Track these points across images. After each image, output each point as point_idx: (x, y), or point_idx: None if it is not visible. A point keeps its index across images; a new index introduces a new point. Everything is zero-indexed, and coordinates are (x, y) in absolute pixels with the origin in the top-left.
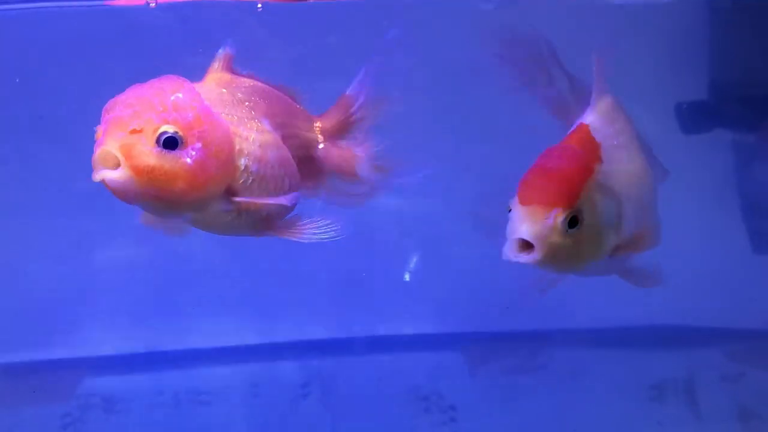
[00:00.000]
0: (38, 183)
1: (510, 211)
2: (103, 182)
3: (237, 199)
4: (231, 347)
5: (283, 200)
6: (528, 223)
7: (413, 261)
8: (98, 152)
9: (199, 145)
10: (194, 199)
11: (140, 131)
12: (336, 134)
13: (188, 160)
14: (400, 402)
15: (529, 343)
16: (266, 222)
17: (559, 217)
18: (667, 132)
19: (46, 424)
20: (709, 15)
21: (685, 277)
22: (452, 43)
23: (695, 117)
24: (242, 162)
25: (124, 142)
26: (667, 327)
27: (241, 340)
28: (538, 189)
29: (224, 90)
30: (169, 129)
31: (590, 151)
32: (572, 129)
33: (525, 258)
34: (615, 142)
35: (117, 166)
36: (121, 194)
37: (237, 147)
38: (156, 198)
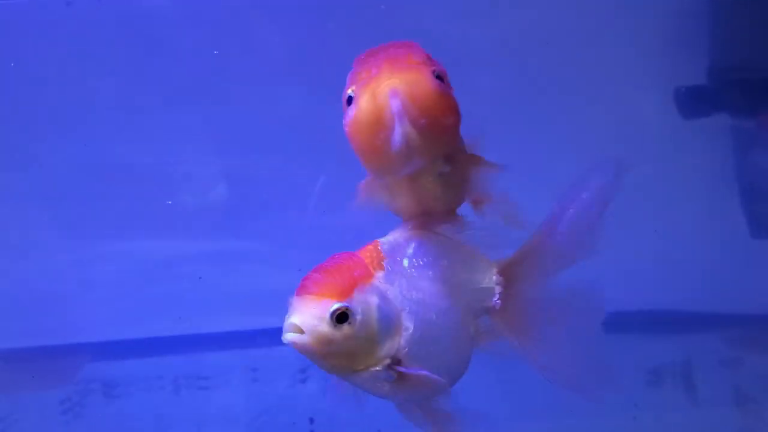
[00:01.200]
0: (37, 173)
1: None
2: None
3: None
4: (230, 332)
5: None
6: (299, 311)
7: None
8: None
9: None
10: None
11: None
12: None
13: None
14: None
15: None
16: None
17: (328, 307)
18: (666, 116)
19: (46, 409)
20: (709, 1)
21: (683, 262)
22: None
23: (694, 102)
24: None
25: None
26: (665, 312)
27: (240, 325)
28: (312, 281)
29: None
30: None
31: (373, 259)
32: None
33: (296, 340)
34: (403, 259)
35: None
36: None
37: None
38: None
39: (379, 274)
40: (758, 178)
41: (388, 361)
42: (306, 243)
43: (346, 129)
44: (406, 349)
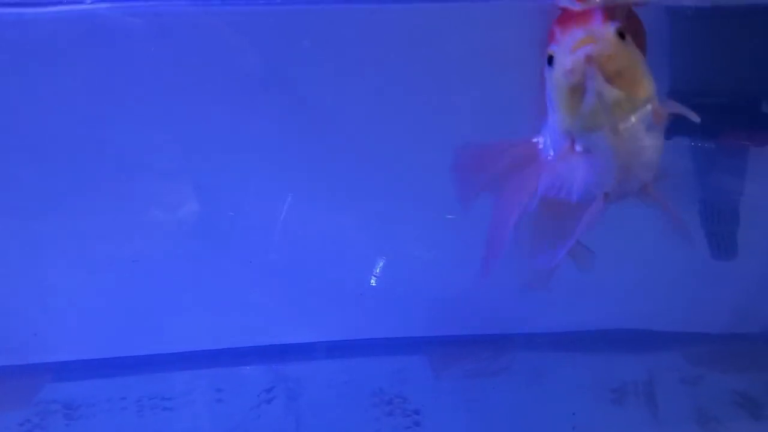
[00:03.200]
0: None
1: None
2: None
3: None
4: (194, 351)
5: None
6: (586, 31)
7: (378, 265)
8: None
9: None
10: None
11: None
12: None
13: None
14: (365, 406)
15: (492, 346)
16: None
17: (610, 24)
18: None
19: (5, 431)
20: (669, 25)
21: (644, 281)
22: None
23: None
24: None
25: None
26: (627, 330)
27: (204, 345)
28: (584, 17)
29: None
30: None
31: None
32: None
33: (592, 46)
34: None
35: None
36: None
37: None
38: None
39: None
40: (718, 198)
41: (651, 103)
42: (272, 262)
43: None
44: (657, 95)
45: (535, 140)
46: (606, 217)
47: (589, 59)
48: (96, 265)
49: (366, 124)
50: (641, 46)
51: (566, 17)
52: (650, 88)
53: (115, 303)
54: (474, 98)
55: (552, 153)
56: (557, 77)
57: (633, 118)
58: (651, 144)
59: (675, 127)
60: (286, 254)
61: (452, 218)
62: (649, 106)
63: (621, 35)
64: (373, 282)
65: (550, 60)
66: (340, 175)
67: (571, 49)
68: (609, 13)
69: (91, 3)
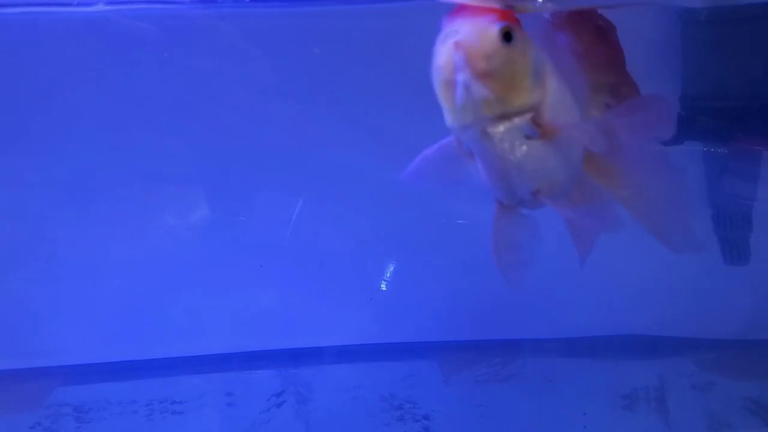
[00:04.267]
0: (8, 190)
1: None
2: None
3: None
4: (204, 355)
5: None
6: (467, 24)
7: (389, 270)
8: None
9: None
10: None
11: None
12: None
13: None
14: (375, 411)
15: (503, 352)
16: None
17: (495, 23)
18: None
19: None
20: (681, 29)
21: (656, 287)
22: None
23: None
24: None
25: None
26: (639, 336)
27: (215, 349)
28: (474, 9)
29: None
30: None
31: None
32: None
33: (464, 41)
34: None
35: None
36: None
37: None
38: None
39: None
40: (730, 204)
41: (531, 113)
42: (283, 267)
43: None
44: (550, 105)
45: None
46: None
47: (458, 52)
48: (107, 269)
49: (376, 128)
50: (607, 54)
51: (458, 10)
52: (531, 98)
53: (126, 307)
54: None
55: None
56: (433, 68)
57: (507, 124)
58: (531, 154)
59: (687, 132)
60: (296, 259)
61: (462, 223)
62: (528, 116)
63: (507, 36)
64: (383, 287)
65: None
66: (352, 180)
67: (444, 41)
68: (506, 14)
69: (107, 3)
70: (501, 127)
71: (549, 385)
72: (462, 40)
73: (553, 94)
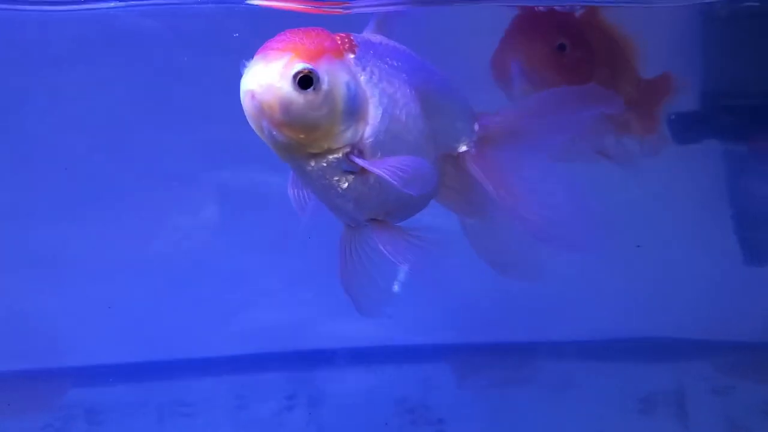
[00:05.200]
0: (20, 190)
1: None
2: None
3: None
4: (216, 358)
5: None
6: (260, 66)
7: (402, 271)
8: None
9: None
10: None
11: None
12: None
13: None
14: (387, 414)
15: (518, 355)
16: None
17: (292, 66)
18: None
19: None
20: (702, 26)
21: (675, 289)
22: None
23: (686, 127)
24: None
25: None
26: (657, 339)
27: (226, 351)
28: (277, 41)
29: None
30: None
31: (345, 42)
32: None
33: (256, 93)
34: (378, 51)
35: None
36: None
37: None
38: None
39: (350, 56)
40: (751, 203)
41: (348, 148)
42: (295, 267)
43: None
44: (370, 140)
45: None
46: (637, 223)
47: (254, 102)
48: (119, 270)
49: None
50: (574, 69)
51: (277, 37)
52: (342, 139)
53: (137, 309)
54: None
55: None
56: None
57: (321, 162)
58: (352, 188)
59: (706, 130)
60: (309, 260)
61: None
62: (342, 153)
63: (305, 82)
64: (396, 288)
65: None
66: None
67: (244, 84)
68: (321, 47)
69: (113, 1)
70: (315, 165)
71: (564, 389)
72: (256, 91)
73: (375, 129)
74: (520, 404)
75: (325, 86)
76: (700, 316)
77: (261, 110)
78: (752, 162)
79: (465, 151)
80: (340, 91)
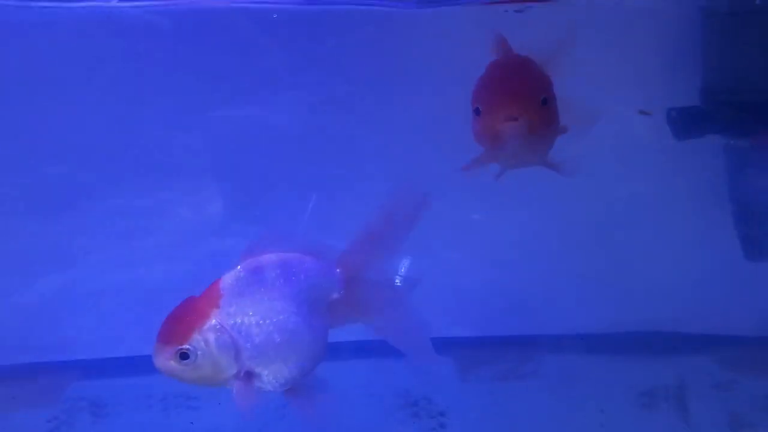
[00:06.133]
0: (25, 185)
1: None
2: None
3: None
4: None
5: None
6: (156, 354)
7: (404, 265)
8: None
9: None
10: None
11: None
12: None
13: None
14: (389, 407)
15: (520, 348)
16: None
17: (173, 350)
18: (659, 137)
19: (32, 428)
20: (702, 21)
21: (676, 283)
22: None
23: (687, 122)
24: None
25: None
26: (658, 333)
27: None
28: (161, 332)
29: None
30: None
31: (211, 300)
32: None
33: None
34: (240, 290)
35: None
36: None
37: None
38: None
39: (216, 311)
40: (752, 198)
41: (241, 374)
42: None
43: (473, 130)
44: (252, 361)
45: None
46: (637, 218)
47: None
48: (123, 263)
49: (388, 121)
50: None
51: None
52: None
53: (141, 302)
54: None
55: None
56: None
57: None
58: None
59: (708, 125)
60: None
61: (478, 219)
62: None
63: (184, 355)
64: (398, 282)
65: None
66: (367, 172)
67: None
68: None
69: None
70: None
71: (567, 383)
72: (160, 369)
73: (252, 357)
74: (522, 397)
75: (199, 353)
76: (701, 311)
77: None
78: (753, 157)
79: (337, 297)
80: (213, 349)
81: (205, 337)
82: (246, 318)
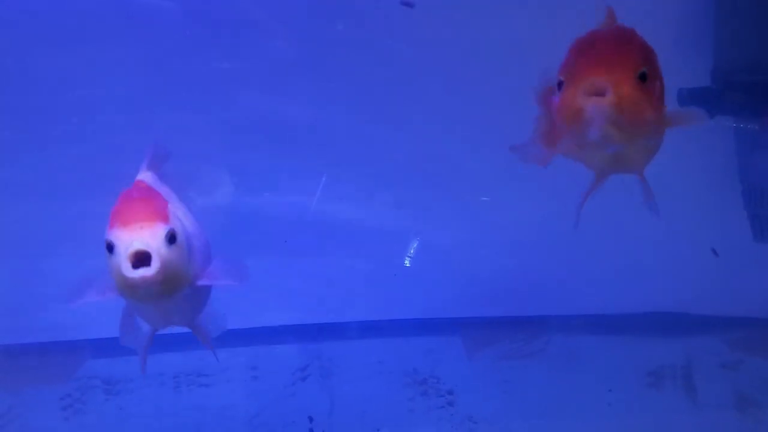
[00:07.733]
0: (40, 168)
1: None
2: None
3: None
4: (230, 330)
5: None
6: (139, 239)
7: (413, 246)
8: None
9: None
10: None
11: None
12: None
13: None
14: (398, 385)
15: (528, 327)
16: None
17: (163, 230)
18: None
19: (46, 405)
20: (714, 1)
21: (685, 264)
22: None
23: (697, 103)
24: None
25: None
26: (666, 314)
27: (241, 324)
28: (135, 211)
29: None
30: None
31: (150, 191)
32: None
33: (147, 273)
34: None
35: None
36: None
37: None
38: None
39: (167, 201)
40: (761, 180)
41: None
42: (307, 242)
43: (554, 111)
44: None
45: None
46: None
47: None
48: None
49: (399, 104)
50: None
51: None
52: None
53: None
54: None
55: None
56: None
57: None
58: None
59: (718, 106)
60: (320, 235)
61: (487, 200)
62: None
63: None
64: (407, 263)
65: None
66: (375, 158)
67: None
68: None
69: None
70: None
71: (574, 362)
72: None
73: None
74: (530, 377)
75: (179, 237)
76: (709, 292)
77: (152, 280)
78: (763, 138)
79: None
80: (183, 237)
81: (177, 222)
82: (186, 221)
